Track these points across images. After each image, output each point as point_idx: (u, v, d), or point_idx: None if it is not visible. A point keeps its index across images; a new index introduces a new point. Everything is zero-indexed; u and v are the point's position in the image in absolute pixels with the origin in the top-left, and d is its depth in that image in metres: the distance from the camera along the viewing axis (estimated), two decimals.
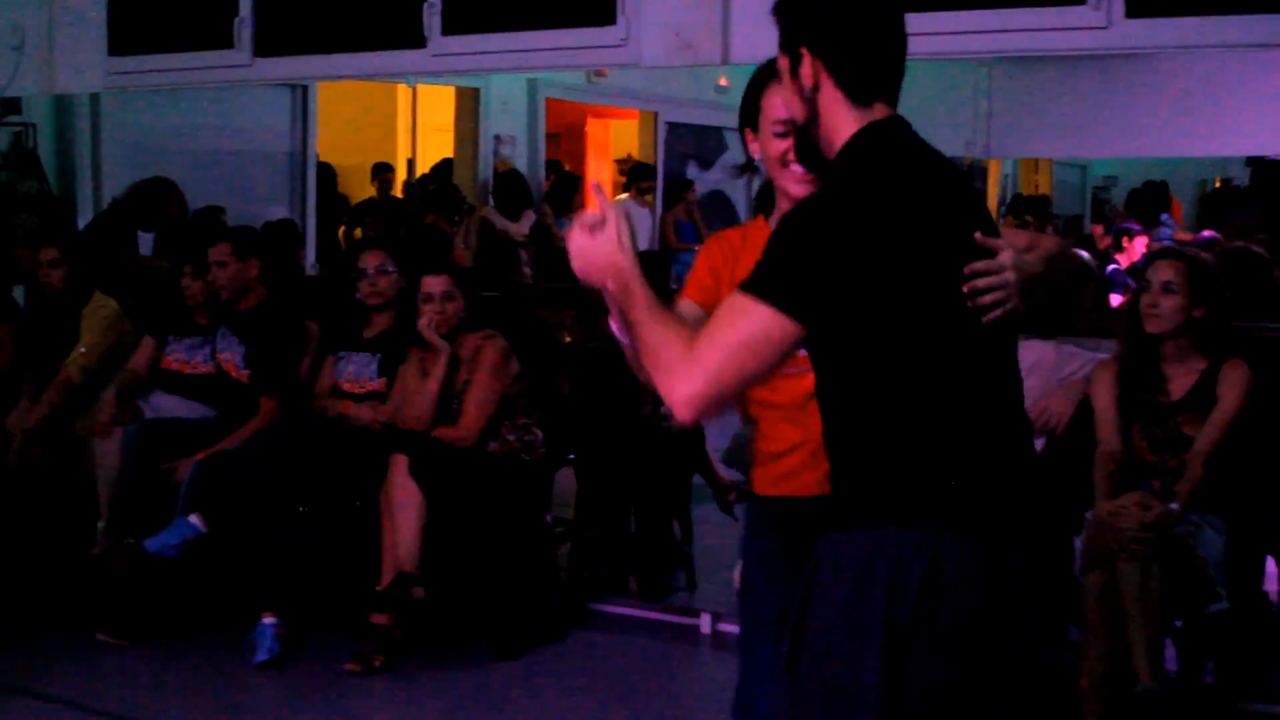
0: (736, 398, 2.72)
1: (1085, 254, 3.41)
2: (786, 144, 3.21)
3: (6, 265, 7.41)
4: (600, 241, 2.72)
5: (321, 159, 11.05)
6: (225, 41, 7.18)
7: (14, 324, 7.14)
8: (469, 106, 12.10)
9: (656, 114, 12.98)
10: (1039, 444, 5.05)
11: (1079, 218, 13.45)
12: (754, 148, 3.34)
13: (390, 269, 6.28)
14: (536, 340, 7.00)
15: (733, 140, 12.31)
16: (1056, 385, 5.24)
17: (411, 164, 12.63)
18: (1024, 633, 2.73)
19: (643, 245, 10.93)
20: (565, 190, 12.08)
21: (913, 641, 2.61)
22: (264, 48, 7.14)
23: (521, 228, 10.91)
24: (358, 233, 11.72)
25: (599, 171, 15.40)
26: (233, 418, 6.37)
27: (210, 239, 6.59)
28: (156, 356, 6.74)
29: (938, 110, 12.38)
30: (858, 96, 2.75)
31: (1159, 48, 5.57)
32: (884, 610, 2.61)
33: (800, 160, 3.16)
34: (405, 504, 5.68)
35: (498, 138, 12.14)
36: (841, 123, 2.78)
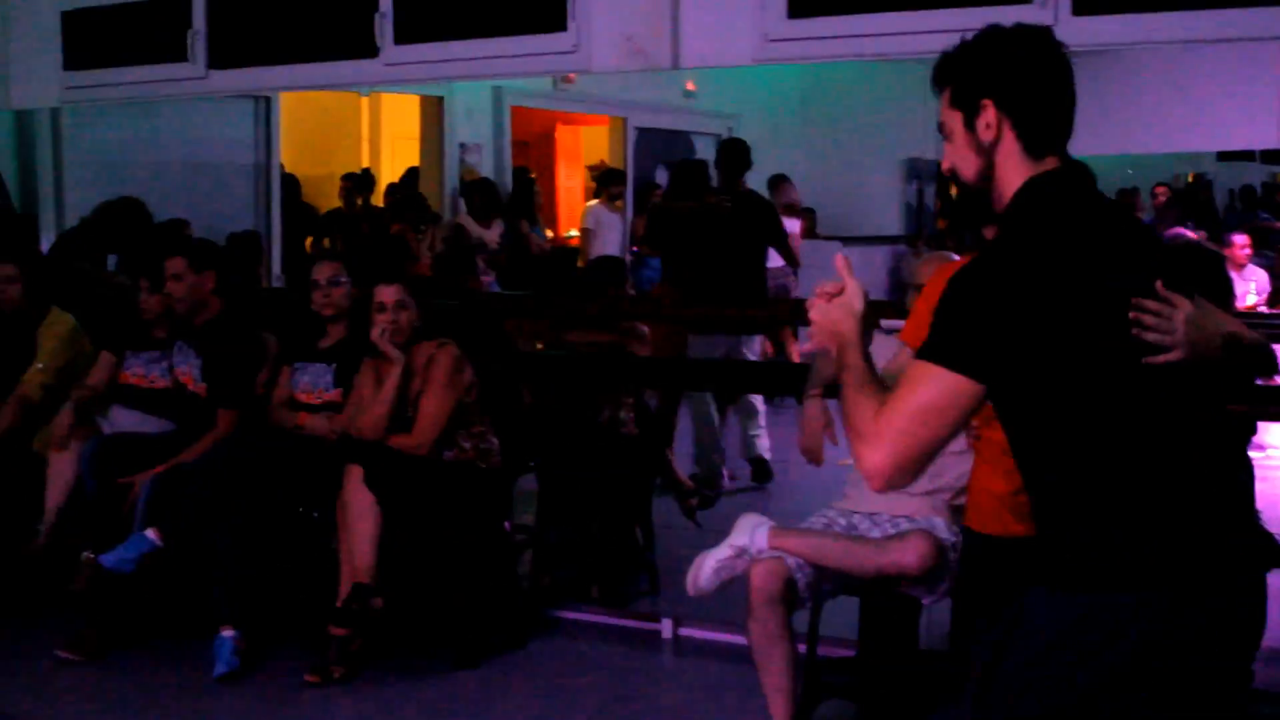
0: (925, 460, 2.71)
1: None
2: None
3: None
4: (836, 307, 2.77)
5: (286, 170, 11.05)
6: (180, 54, 7.16)
7: None
8: (434, 114, 12.10)
9: (626, 120, 12.99)
10: None
11: None
12: None
13: (343, 280, 6.27)
14: (496, 348, 6.98)
15: (700, 144, 12.37)
16: None
17: (369, 173, 12.59)
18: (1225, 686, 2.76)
19: (614, 250, 11.00)
20: (522, 196, 12.02)
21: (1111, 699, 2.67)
22: (218, 59, 7.12)
23: (492, 235, 10.90)
24: (325, 243, 11.73)
25: (569, 177, 15.40)
26: (191, 431, 6.35)
27: (166, 252, 6.56)
28: (114, 372, 6.72)
29: (893, 115, 12.45)
30: (1035, 149, 2.78)
31: (1106, 45, 5.54)
32: (1084, 673, 2.66)
33: (960, 220, 3.16)
34: (361, 514, 5.66)
35: (463, 145, 12.13)
36: (1015, 176, 2.80)
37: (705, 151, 11.26)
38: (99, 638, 6.02)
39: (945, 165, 2.94)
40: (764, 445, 8.69)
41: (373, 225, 11.34)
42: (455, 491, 5.97)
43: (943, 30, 5.50)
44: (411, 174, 12.27)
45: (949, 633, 5.00)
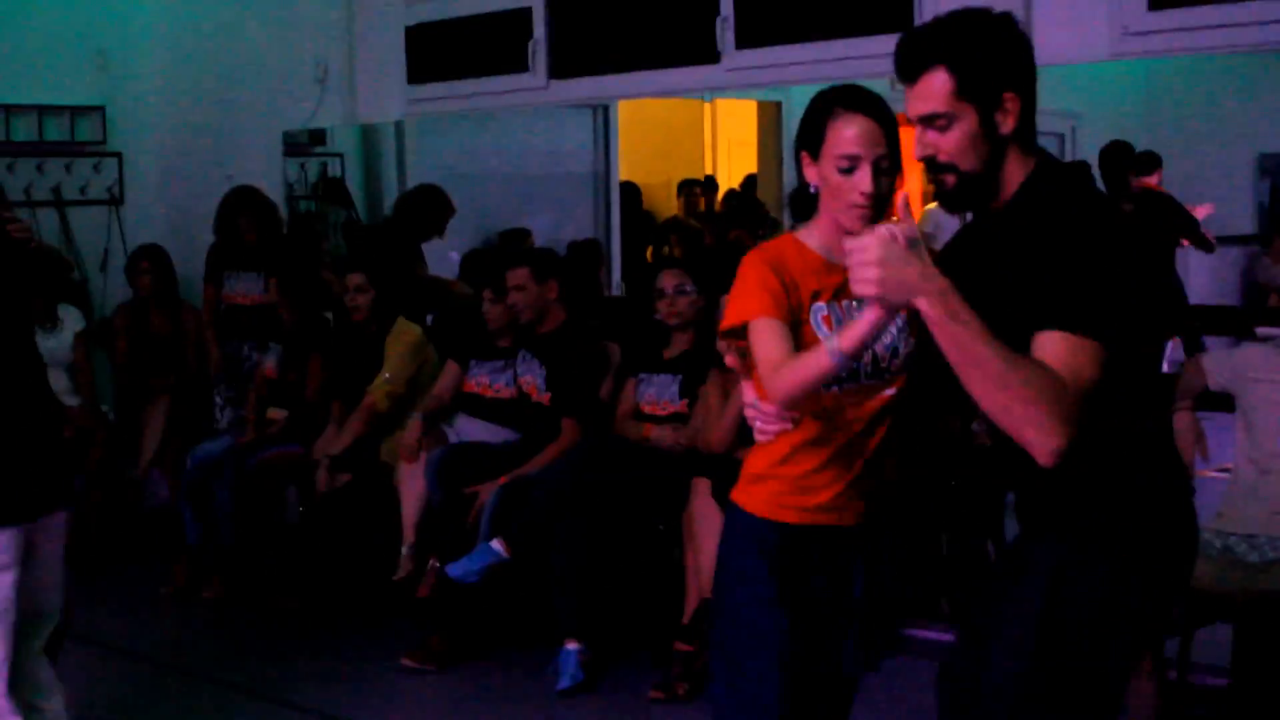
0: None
1: None
2: (856, 181, 3.06)
3: (317, 292, 7.52)
4: (909, 258, 2.58)
5: (625, 178, 11.03)
6: (520, 65, 7.17)
7: (323, 352, 7.24)
8: (771, 120, 11.97)
9: None
10: None
11: None
12: (811, 173, 3.17)
13: (688, 289, 6.16)
14: None
15: (1042, 144, 12.02)
16: None
17: (713, 179, 12.52)
18: None
19: None
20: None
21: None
22: (559, 70, 7.11)
23: None
24: (665, 250, 11.67)
25: (910, 181, 15.12)
26: (535, 441, 6.34)
27: (509, 262, 6.56)
28: (459, 381, 6.76)
29: (1243, 108, 11.89)
30: (1030, 141, 2.85)
31: None
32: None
33: (955, 207, 2.98)
34: (708, 529, 5.52)
35: None
36: (1017, 167, 2.83)
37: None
38: (445, 646, 6.06)
39: (924, 154, 2.88)
40: None
41: (713, 232, 11.25)
42: None
43: None
44: (750, 180, 12.17)
45: None
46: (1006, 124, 2.80)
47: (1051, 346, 2.58)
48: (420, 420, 6.54)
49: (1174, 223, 8.43)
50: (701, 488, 5.60)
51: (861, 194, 3.07)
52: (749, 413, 3.09)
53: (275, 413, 7.34)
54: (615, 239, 10.21)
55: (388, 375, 6.89)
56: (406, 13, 7.75)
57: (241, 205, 8.09)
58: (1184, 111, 12.64)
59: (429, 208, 8.22)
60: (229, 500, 6.97)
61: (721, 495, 5.48)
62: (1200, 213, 9.22)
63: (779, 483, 3.21)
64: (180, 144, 9.16)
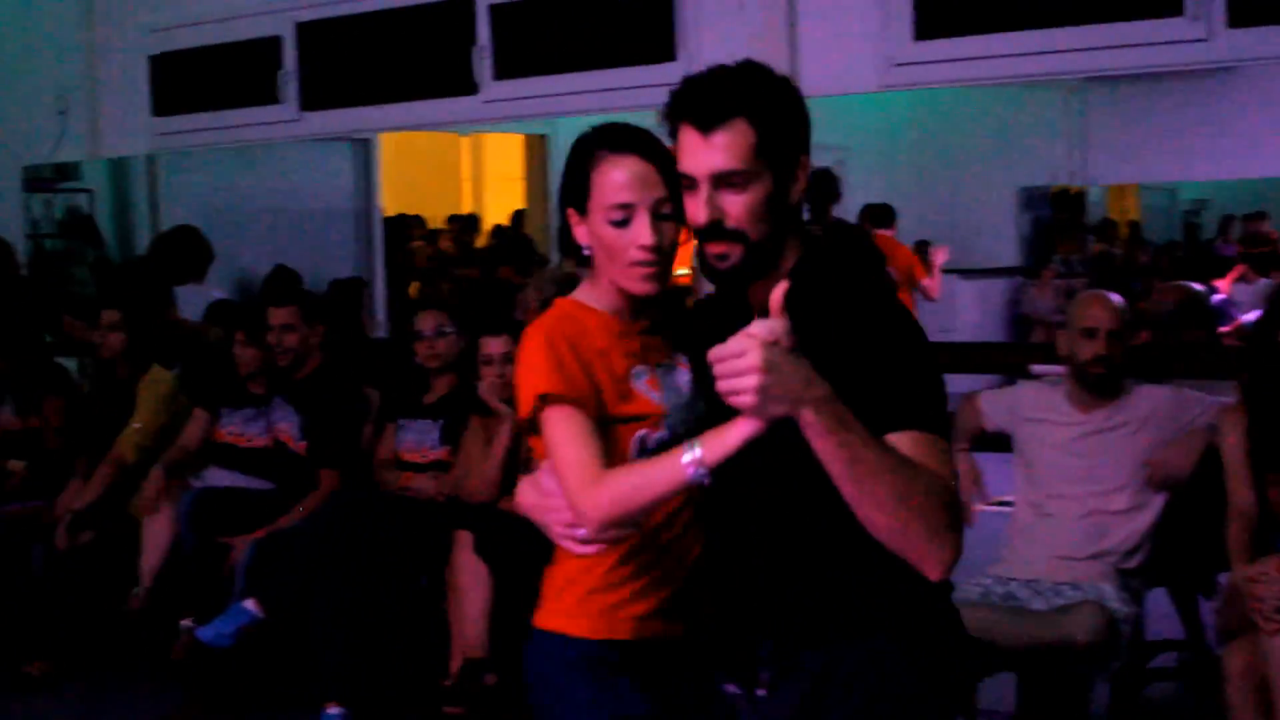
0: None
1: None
2: (633, 234, 2.61)
3: (58, 336, 7.16)
4: (795, 363, 2.22)
5: (389, 214, 10.80)
6: (271, 96, 6.91)
7: (65, 396, 6.90)
8: (538, 153, 11.84)
9: None
10: (1159, 501, 4.65)
11: (1174, 244, 13.01)
12: (580, 232, 2.72)
13: (448, 329, 5.94)
14: None
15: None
16: (1174, 435, 4.78)
17: (474, 216, 12.38)
18: None
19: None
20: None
21: None
22: (311, 101, 6.87)
23: None
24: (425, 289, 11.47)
25: None
26: (291, 492, 6.07)
27: (272, 300, 6.27)
28: (209, 430, 6.44)
29: (1008, 141, 12.09)
30: (820, 206, 2.60)
31: (1267, 59, 5.14)
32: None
33: (735, 284, 2.57)
34: (471, 584, 5.32)
35: None
36: (794, 242, 2.55)
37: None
38: (198, 710, 5.80)
39: (711, 217, 2.47)
40: None
41: (479, 270, 11.07)
42: None
43: (1085, 48, 5.23)
44: (518, 215, 12.01)
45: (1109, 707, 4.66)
46: (796, 191, 2.52)
47: (911, 448, 2.33)
48: (162, 471, 6.23)
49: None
50: (464, 540, 5.37)
51: (641, 248, 2.62)
52: (558, 531, 2.59)
53: (15, 464, 6.93)
54: (380, 277, 9.96)
55: (138, 425, 6.57)
56: (151, 40, 7.44)
57: None
58: (949, 145, 12.80)
59: (185, 250, 7.91)
60: None
61: (485, 548, 5.30)
62: (939, 256, 9.24)
63: (602, 594, 2.72)
64: None
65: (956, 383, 6.06)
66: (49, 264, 8.62)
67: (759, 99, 2.47)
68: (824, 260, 2.55)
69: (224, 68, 7.20)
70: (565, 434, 2.55)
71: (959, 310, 10.26)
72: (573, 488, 2.50)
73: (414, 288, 11.54)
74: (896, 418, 2.33)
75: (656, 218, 2.61)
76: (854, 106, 7.20)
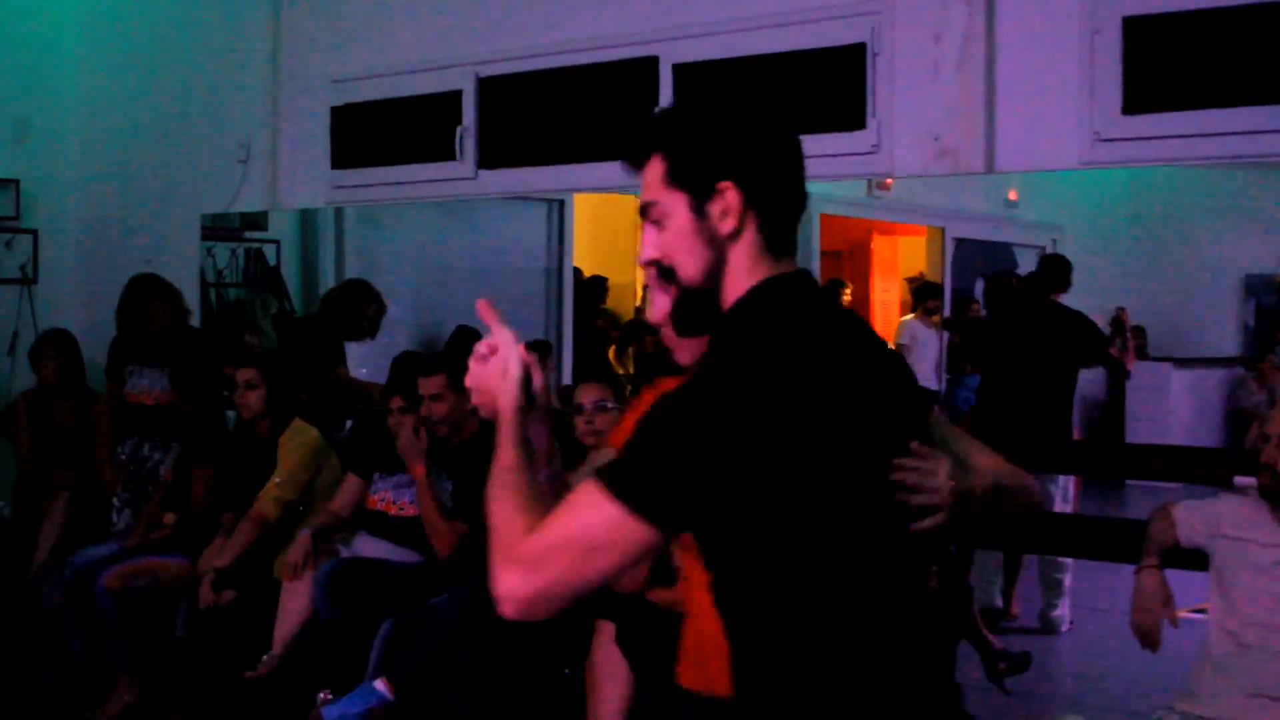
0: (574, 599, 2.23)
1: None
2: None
3: (217, 389, 7.02)
4: (490, 370, 2.46)
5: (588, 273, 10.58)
6: (448, 153, 6.66)
7: (213, 455, 6.77)
8: None
9: (944, 230, 12.28)
10: None
11: None
12: None
13: (610, 405, 5.60)
14: None
15: (1023, 257, 11.62)
16: None
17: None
18: None
19: (930, 366, 10.29)
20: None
21: None
22: (488, 159, 6.59)
23: None
24: (630, 351, 11.23)
25: (885, 290, 14.78)
26: (441, 564, 5.80)
27: (421, 370, 6.02)
28: (361, 496, 6.19)
29: (1230, 225, 11.55)
30: (778, 246, 2.35)
31: None
32: None
33: (684, 327, 2.44)
34: (608, 676, 4.96)
35: None
36: (747, 278, 2.34)
37: (1028, 264, 10.62)
38: None
39: (648, 256, 2.40)
40: (1061, 616, 7.64)
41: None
42: None
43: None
44: None
45: None
46: (726, 222, 2.31)
47: (574, 493, 2.24)
48: (309, 536, 5.98)
49: (1084, 347, 7.81)
50: (605, 631, 5.01)
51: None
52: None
53: (168, 517, 6.83)
54: (568, 337, 9.76)
55: (279, 480, 6.36)
56: (333, 92, 7.24)
57: (143, 295, 7.51)
58: (1168, 226, 12.28)
59: (355, 303, 7.74)
60: (113, 610, 6.40)
61: (627, 641, 4.93)
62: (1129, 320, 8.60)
63: None
64: (98, 223, 8.79)
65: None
66: (228, 315, 8.50)
67: (673, 129, 2.38)
68: (734, 321, 2.35)
69: (402, 121, 6.97)
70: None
71: (1172, 400, 9.77)
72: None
73: (611, 351, 11.32)
74: (599, 470, 2.22)
75: None
76: (1066, 184, 6.78)
